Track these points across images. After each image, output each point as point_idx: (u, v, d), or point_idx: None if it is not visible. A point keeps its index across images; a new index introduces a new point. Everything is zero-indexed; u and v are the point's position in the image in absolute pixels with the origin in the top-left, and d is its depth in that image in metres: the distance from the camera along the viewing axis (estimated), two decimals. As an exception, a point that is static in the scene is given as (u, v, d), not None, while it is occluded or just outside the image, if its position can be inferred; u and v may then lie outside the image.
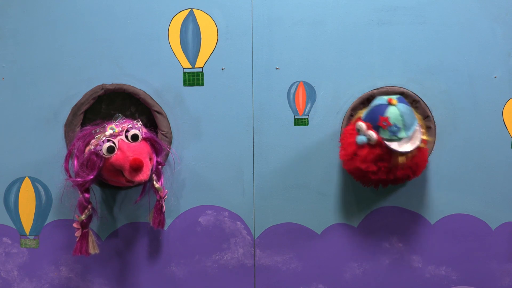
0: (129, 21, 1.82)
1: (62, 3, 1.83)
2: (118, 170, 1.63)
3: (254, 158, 1.84)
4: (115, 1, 1.82)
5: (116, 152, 1.62)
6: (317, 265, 1.87)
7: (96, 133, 1.66)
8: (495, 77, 1.81)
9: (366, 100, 1.81)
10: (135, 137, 1.67)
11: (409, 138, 1.61)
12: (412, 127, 1.63)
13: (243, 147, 1.84)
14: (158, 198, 1.76)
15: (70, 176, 1.73)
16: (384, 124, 1.59)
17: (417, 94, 1.81)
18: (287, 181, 1.85)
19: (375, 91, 1.81)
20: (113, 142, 1.62)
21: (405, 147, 1.60)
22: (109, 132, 1.64)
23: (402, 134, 1.60)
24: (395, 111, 1.60)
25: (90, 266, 1.87)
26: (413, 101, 1.81)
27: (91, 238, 1.75)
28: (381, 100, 1.66)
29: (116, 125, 1.67)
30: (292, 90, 1.83)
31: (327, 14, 1.81)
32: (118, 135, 1.65)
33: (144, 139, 1.70)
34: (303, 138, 1.84)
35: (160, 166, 1.76)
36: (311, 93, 1.83)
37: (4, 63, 1.85)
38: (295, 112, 1.84)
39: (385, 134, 1.60)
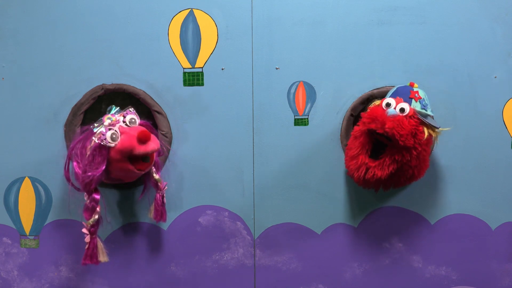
0: (129, 21, 1.83)
1: (62, 3, 1.83)
2: (126, 158, 1.62)
3: (254, 158, 1.84)
4: (115, 1, 1.82)
5: (120, 138, 1.62)
6: (317, 265, 1.87)
7: (95, 128, 1.66)
8: (495, 77, 1.81)
9: (366, 100, 1.81)
10: (132, 121, 1.68)
11: (432, 118, 1.68)
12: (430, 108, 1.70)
13: (243, 147, 1.84)
14: (157, 190, 1.76)
15: (73, 185, 1.72)
16: (416, 96, 1.64)
17: (417, 94, 1.82)
18: (287, 181, 1.85)
19: (375, 91, 1.81)
20: (115, 130, 1.62)
21: (433, 122, 1.65)
22: (107, 122, 1.64)
23: (429, 111, 1.67)
24: (420, 90, 1.68)
25: (90, 266, 1.87)
26: (413, 101, 1.81)
27: (100, 245, 1.71)
28: (402, 85, 1.71)
29: (112, 115, 1.67)
30: (292, 90, 1.83)
31: (327, 14, 1.81)
32: (116, 122, 1.65)
33: (142, 125, 1.71)
34: (303, 138, 1.84)
35: (158, 156, 1.76)
36: (311, 93, 1.83)
37: (4, 63, 1.85)
38: (295, 112, 1.84)
39: (417, 106, 1.64)
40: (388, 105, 1.64)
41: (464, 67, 1.81)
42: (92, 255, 1.69)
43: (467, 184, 1.84)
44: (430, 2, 1.80)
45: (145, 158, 1.67)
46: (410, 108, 1.62)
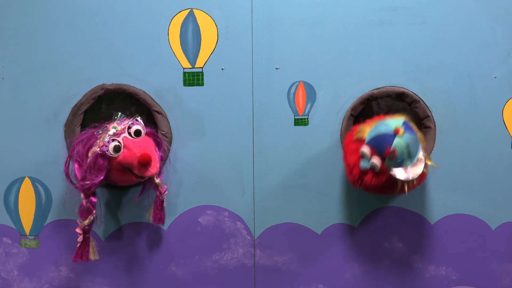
0: (129, 21, 1.82)
1: (62, 3, 1.83)
2: (126, 169, 1.63)
3: (254, 158, 1.84)
4: (115, 1, 1.82)
5: (122, 150, 1.62)
6: (317, 265, 1.87)
7: (99, 134, 1.66)
8: (495, 77, 1.81)
9: (366, 100, 1.81)
10: (138, 133, 1.67)
11: (414, 165, 1.58)
12: (417, 154, 1.59)
13: (243, 147, 1.84)
14: (158, 194, 1.76)
15: (72, 182, 1.72)
16: (390, 156, 1.54)
17: (417, 94, 1.81)
18: (287, 181, 1.85)
19: (375, 91, 1.81)
20: (118, 141, 1.62)
21: (409, 173, 1.57)
22: (112, 131, 1.64)
23: (407, 163, 1.56)
24: (401, 143, 1.53)
25: (90, 266, 1.87)
26: (413, 101, 1.81)
27: (92, 244, 1.73)
28: (387, 127, 1.56)
29: (117, 123, 1.67)
30: (292, 90, 1.83)
31: (327, 14, 1.81)
32: (121, 133, 1.64)
33: (147, 133, 1.70)
34: (303, 138, 1.84)
35: (161, 161, 1.76)
36: (311, 93, 1.83)
37: (4, 63, 1.85)
38: (295, 112, 1.84)
39: (390, 164, 1.56)
40: (362, 155, 1.59)
41: (464, 67, 1.81)
42: (83, 253, 1.71)
43: (467, 184, 1.84)
44: (430, 2, 1.80)
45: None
46: (382, 166, 1.56)
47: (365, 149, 1.58)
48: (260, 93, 1.83)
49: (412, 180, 1.59)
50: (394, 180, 1.57)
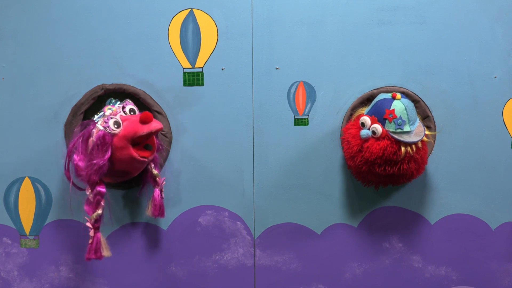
0: (129, 21, 1.83)
1: (62, 3, 1.83)
2: (129, 145, 1.61)
3: (254, 158, 1.85)
4: (115, 1, 1.82)
5: (123, 124, 1.64)
6: (317, 265, 1.87)
7: (96, 119, 1.67)
8: (495, 77, 1.81)
9: (366, 100, 1.81)
10: (132, 111, 1.71)
11: (413, 133, 1.63)
12: (416, 122, 1.65)
13: (243, 147, 1.84)
14: (156, 185, 1.76)
15: (74, 184, 1.72)
16: (390, 116, 1.61)
17: (417, 94, 1.82)
18: (287, 181, 1.85)
19: (375, 91, 1.81)
20: (116, 118, 1.64)
21: (411, 138, 1.61)
22: (108, 112, 1.66)
23: (406, 127, 1.62)
24: (400, 104, 1.62)
25: (90, 266, 1.87)
26: (413, 101, 1.80)
27: (103, 240, 1.70)
28: (384, 95, 1.68)
29: (112, 105, 1.70)
30: (292, 90, 1.83)
31: (327, 14, 1.81)
32: (117, 112, 1.67)
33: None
34: (303, 138, 1.84)
35: (159, 148, 1.77)
36: (311, 93, 1.83)
37: (4, 63, 1.85)
38: (295, 112, 1.84)
39: (390, 127, 1.61)
40: (362, 124, 1.66)
41: (464, 67, 1.81)
42: (96, 249, 1.66)
43: (467, 184, 1.84)
44: (430, 2, 1.80)
45: (148, 146, 1.67)
46: (382, 130, 1.61)
47: (365, 117, 1.65)
48: (260, 93, 1.83)
49: (416, 147, 1.62)
50: (396, 146, 1.59)
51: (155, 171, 1.75)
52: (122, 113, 1.68)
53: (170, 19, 1.82)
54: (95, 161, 1.61)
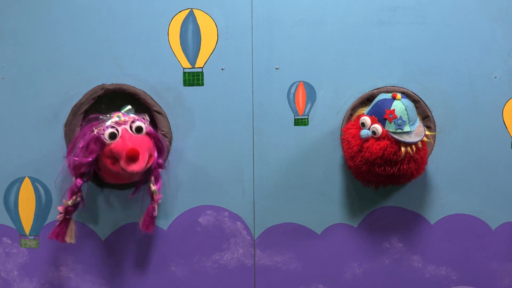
0: (129, 21, 1.82)
1: (62, 3, 1.83)
2: (115, 158, 1.62)
3: (254, 158, 1.85)
4: (115, 1, 1.82)
5: (117, 139, 1.62)
6: (317, 265, 1.87)
7: (102, 120, 1.67)
8: (495, 77, 1.81)
9: (366, 100, 1.81)
10: (139, 129, 1.67)
11: (413, 133, 1.64)
12: (416, 122, 1.65)
13: (243, 147, 1.84)
14: (152, 201, 1.75)
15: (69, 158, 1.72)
16: (390, 116, 1.61)
17: (417, 94, 1.82)
18: (287, 181, 1.85)
19: (375, 91, 1.81)
20: (116, 129, 1.63)
21: (411, 139, 1.62)
22: (115, 119, 1.65)
23: (407, 127, 1.62)
24: (400, 105, 1.63)
25: (90, 266, 1.87)
26: (413, 101, 1.80)
27: (71, 227, 1.73)
28: (384, 95, 1.69)
29: (123, 114, 1.68)
30: (292, 90, 1.83)
31: (327, 14, 1.81)
32: (123, 124, 1.65)
33: (148, 134, 1.70)
34: (303, 138, 1.84)
35: (159, 169, 1.76)
36: (311, 93, 1.83)
37: (4, 63, 1.85)
38: (295, 112, 1.84)
39: (390, 127, 1.61)
40: (362, 124, 1.66)
41: (464, 67, 1.81)
42: (59, 233, 1.71)
43: (467, 184, 1.84)
44: (430, 2, 1.80)
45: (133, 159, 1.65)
46: (383, 130, 1.61)
47: (365, 117, 1.66)
48: (260, 93, 1.83)
49: (416, 147, 1.62)
50: (396, 146, 1.60)
51: (153, 187, 1.73)
52: (127, 127, 1.65)
53: (170, 19, 1.82)
54: (76, 158, 1.64)
